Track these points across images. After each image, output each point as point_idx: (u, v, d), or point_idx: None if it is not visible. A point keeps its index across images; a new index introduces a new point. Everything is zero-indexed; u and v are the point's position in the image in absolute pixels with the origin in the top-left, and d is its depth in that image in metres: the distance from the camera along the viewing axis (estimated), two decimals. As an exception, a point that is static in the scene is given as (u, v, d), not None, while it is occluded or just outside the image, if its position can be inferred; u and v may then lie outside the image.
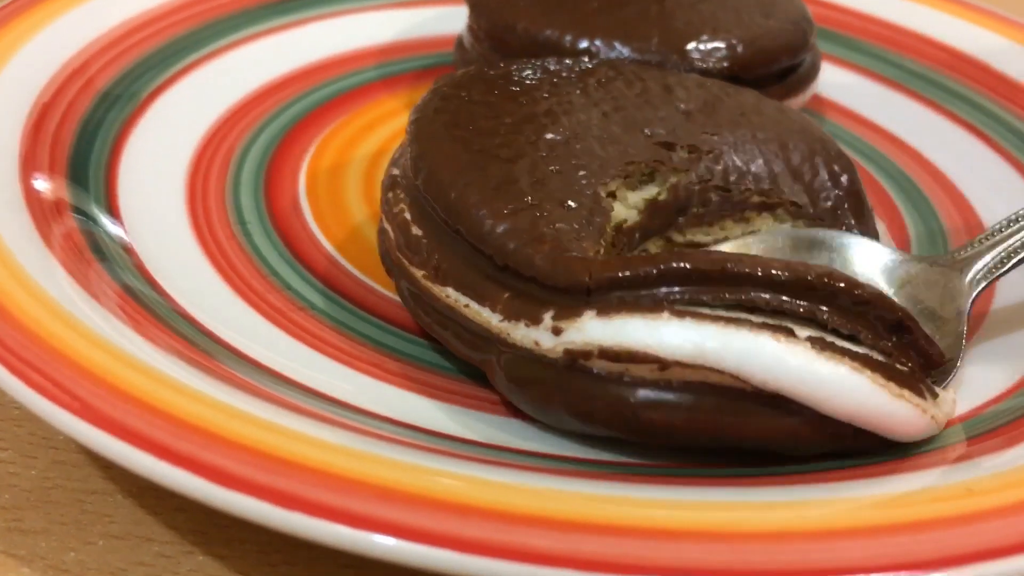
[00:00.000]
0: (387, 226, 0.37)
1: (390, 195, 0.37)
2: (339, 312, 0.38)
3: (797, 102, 0.50)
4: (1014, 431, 0.32)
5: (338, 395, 0.33)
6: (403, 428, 0.32)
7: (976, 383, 0.35)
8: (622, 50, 0.45)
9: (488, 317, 0.33)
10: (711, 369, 0.29)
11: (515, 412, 0.34)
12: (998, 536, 0.25)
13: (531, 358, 0.31)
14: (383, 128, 0.50)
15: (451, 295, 0.34)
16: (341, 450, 0.27)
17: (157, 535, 0.31)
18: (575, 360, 0.30)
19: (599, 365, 0.30)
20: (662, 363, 0.29)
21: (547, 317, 0.31)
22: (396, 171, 0.37)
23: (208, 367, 0.31)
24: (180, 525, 0.31)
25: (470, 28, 0.51)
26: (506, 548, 0.24)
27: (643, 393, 0.30)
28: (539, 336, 0.31)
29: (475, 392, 0.35)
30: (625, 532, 0.25)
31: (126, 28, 0.48)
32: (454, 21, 0.54)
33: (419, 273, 0.35)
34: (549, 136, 0.36)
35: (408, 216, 0.36)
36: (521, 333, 0.31)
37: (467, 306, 0.33)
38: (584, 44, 0.46)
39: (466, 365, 0.35)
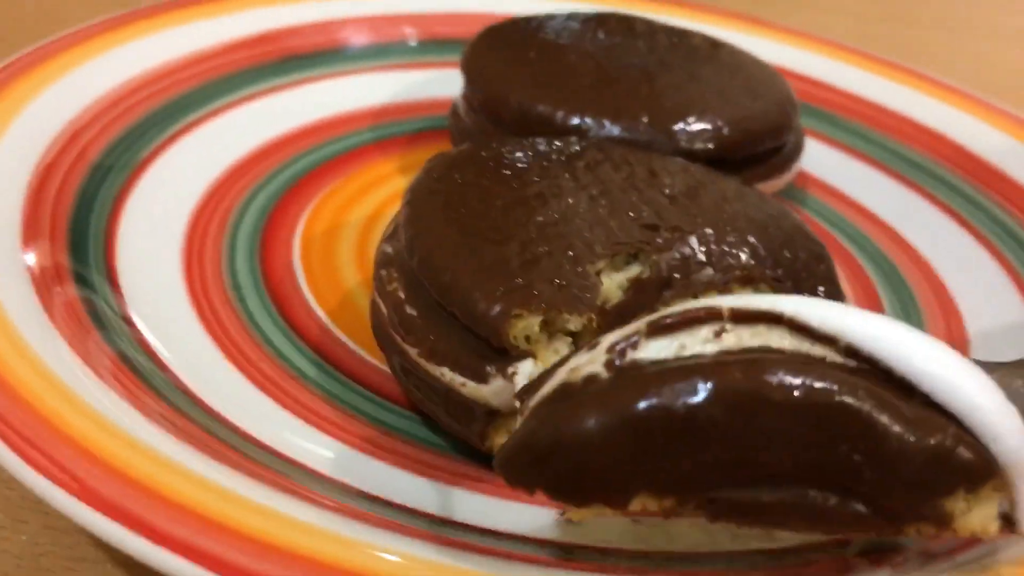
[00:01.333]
0: (380, 302, 0.38)
1: (383, 272, 0.38)
2: (329, 382, 0.39)
3: (782, 181, 0.52)
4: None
5: (325, 470, 0.34)
6: (387, 507, 0.33)
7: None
8: (612, 129, 0.47)
9: (486, 395, 0.34)
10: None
11: (497, 491, 0.35)
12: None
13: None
14: (377, 191, 0.51)
15: (446, 374, 0.35)
16: (325, 535, 0.28)
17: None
18: None
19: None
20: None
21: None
22: (389, 249, 0.38)
23: (199, 441, 0.32)
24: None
25: (465, 97, 0.52)
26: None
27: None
28: None
29: (462, 470, 0.36)
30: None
31: (119, 93, 0.49)
32: (449, 84, 0.55)
33: (413, 351, 0.36)
34: (539, 219, 0.37)
35: (402, 295, 0.37)
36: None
37: (463, 385, 0.34)
38: (575, 121, 0.47)
39: (454, 441, 0.36)
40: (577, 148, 0.42)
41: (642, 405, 0.25)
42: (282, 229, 0.47)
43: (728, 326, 0.27)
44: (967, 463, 0.25)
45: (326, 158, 0.53)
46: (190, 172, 0.48)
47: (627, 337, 0.27)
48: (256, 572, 0.26)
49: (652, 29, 0.55)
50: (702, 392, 0.25)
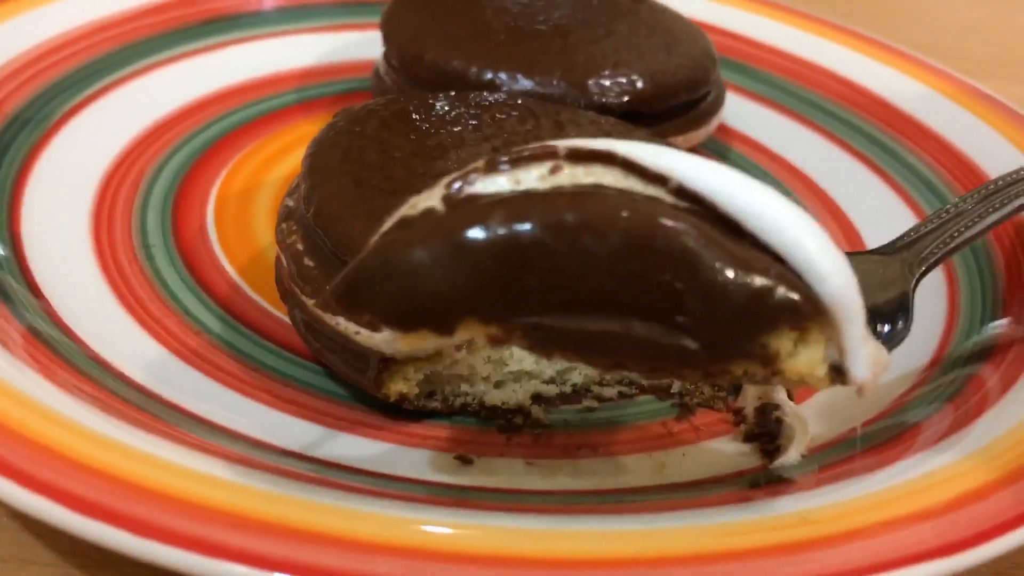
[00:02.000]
0: (281, 255, 0.38)
1: (284, 225, 0.38)
2: (235, 337, 0.39)
3: (701, 134, 0.52)
4: (867, 460, 0.34)
5: (224, 422, 0.34)
6: (287, 456, 0.33)
7: (837, 414, 0.37)
8: (525, 83, 0.47)
9: (379, 341, 0.34)
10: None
11: (396, 438, 0.35)
12: (821, 564, 0.27)
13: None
14: (297, 152, 0.50)
15: (341, 323, 0.35)
16: (212, 481, 0.29)
17: (39, 558, 0.32)
18: None
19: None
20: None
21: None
22: (291, 202, 0.39)
23: (93, 395, 0.32)
24: (61, 548, 0.32)
25: (385, 56, 0.52)
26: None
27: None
28: None
29: (361, 418, 0.36)
30: (480, 560, 0.27)
31: (39, 51, 0.49)
32: (374, 46, 0.55)
33: (310, 302, 0.36)
34: (437, 169, 0.37)
35: (300, 247, 0.37)
36: None
37: (358, 333, 0.35)
38: (488, 76, 0.47)
39: (354, 391, 0.37)
40: (486, 102, 0.43)
41: (471, 231, 0.26)
42: (197, 188, 0.47)
43: (563, 164, 0.27)
44: (790, 300, 0.25)
45: (248, 119, 0.53)
46: (105, 132, 0.48)
47: (465, 174, 0.27)
48: (129, 515, 0.26)
49: (574, -15, 0.55)
50: (529, 218, 0.26)
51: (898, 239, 0.41)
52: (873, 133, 0.55)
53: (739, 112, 0.57)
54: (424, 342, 0.28)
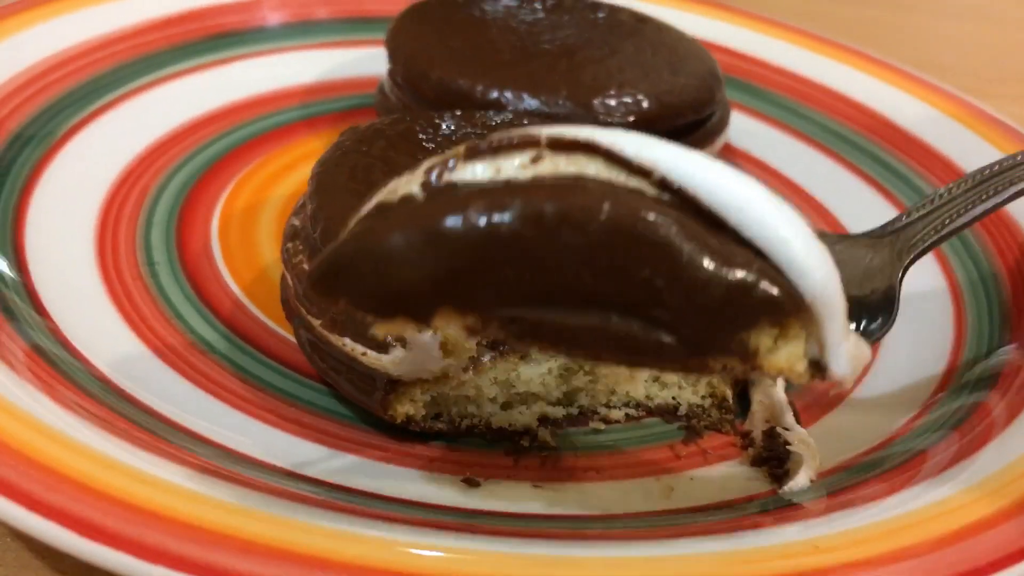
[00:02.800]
0: (287, 274, 0.38)
1: (290, 245, 0.38)
2: (238, 355, 0.39)
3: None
4: (875, 487, 0.33)
5: (228, 442, 0.34)
6: (292, 478, 0.33)
7: (845, 438, 0.37)
8: (530, 102, 0.47)
9: (386, 364, 0.34)
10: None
11: (402, 460, 0.35)
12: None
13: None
14: (302, 169, 0.51)
15: (348, 344, 0.35)
16: (217, 504, 0.28)
17: (42, 578, 0.32)
18: None
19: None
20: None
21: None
22: (296, 221, 0.38)
23: (96, 414, 0.32)
24: (66, 569, 0.32)
25: (389, 74, 0.52)
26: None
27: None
28: None
29: (367, 439, 0.36)
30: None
31: (42, 67, 0.49)
32: (378, 63, 0.55)
33: (316, 322, 0.36)
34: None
35: (307, 267, 0.37)
36: None
37: (364, 354, 0.35)
38: (494, 95, 0.47)
39: (359, 411, 0.36)
40: (491, 122, 0.43)
41: (448, 220, 0.25)
42: (202, 205, 0.47)
43: (545, 153, 0.26)
44: (771, 296, 0.25)
45: (252, 135, 0.52)
46: (109, 149, 0.48)
47: (444, 161, 0.27)
48: (133, 538, 0.26)
49: (579, 4, 0.55)
50: (508, 208, 0.25)
51: (889, 223, 0.40)
52: (877, 152, 0.55)
53: (744, 131, 0.57)
54: (403, 330, 0.27)
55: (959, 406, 0.38)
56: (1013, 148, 0.52)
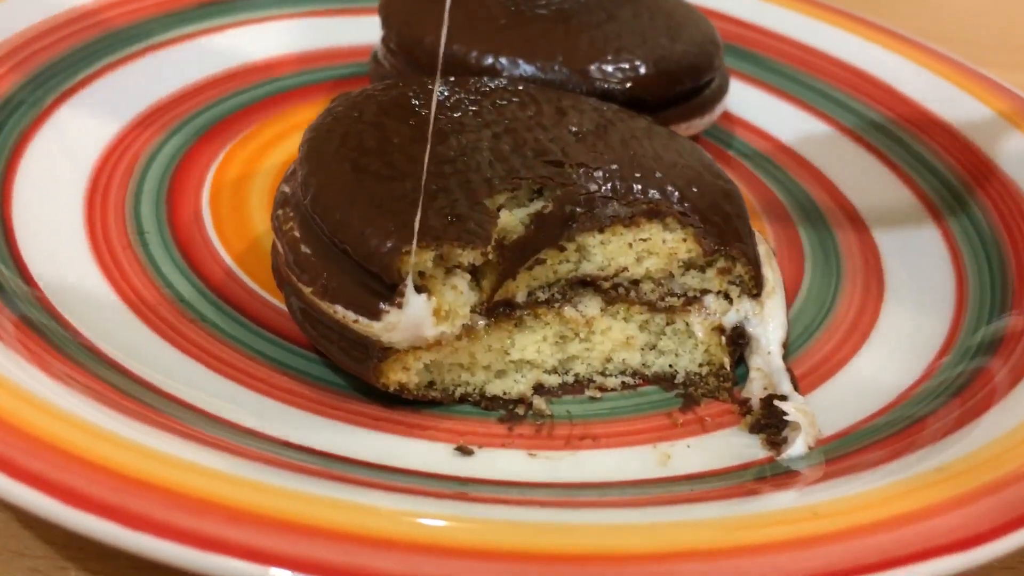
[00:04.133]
0: (277, 242, 0.37)
1: (280, 212, 0.37)
2: (230, 324, 0.38)
3: (704, 122, 0.51)
4: (874, 454, 0.33)
5: (219, 411, 0.34)
6: (283, 447, 0.33)
7: (843, 406, 0.36)
8: (526, 68, 0.46)
9: (378, 331, 0.34)
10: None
11: (395, 428, 0.35)
12: (832, 560, 0.26)
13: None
14: (295, 137, 0.49)
15: (339, 311, 0.34)
16: (207, 472, 0.28)
17: (30, 549, 0.31)
18: None
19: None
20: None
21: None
22: (287, 189, 0.38)
23: (86, 384, 0.31)
24: (54, 540, 0.31)
25: (383, 41, 0.51)
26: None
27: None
28: None
29: (359, 408, 0.35)
30: (472, 554, 0.26)
31: (31, 33, 0.48)
32: (372, 31, 0.54)
33: (307, 290, 0.35)
34: (437, 155, 0.37)
35: (297, 234, 0.36)
36: None
37: (356, 321, 0.34)
38: (489, 61, 0.46)
39: (352, 380, 0.36)
40: (485, 87, 0.42)
41: None
42: (193, 174, 0.46)
43: None
44: None
45: (244, 104, 0.52)
46: (99, 116, 0.47)
47: None
48: (119, 506, 0.26)
49: (575, -31, 0.54)
50: None
51: None
52: (877, 119, 0.54)
53: (743, 99, 0.56)
54: None
55: (960, 372, 0.37)
56: (1013, 113, 0.51)
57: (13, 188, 0.41)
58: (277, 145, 0.50)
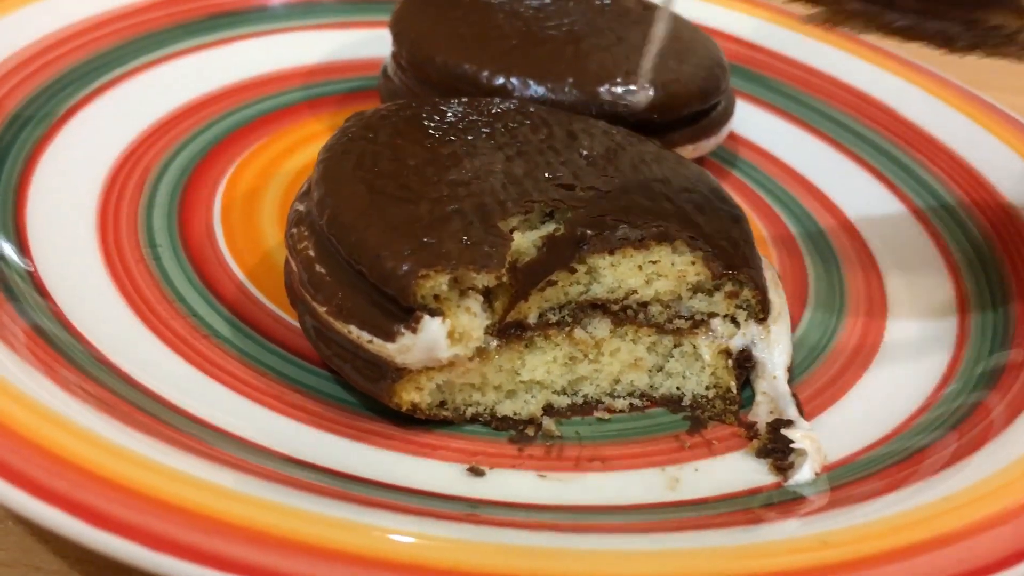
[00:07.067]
0: (291, 260, 0.38)
1: (294, 231, 0.38)
2: (242, 340, 0.38)
3: (711, 143, 0.52)
4: (875, 483, 0.33)
5: (230, 427, 0.34)
6: (294, 465, 0.33)
7: (847, 432, 0.37)
8: (536, 89, 0.46)
9: (392, 352, 0.34)
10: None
11: (407, 447, 0.35)
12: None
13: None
14: (305, 151, 0.51)
15: (354, 332, 0.35)
16: (219, 491, 0.28)
17: (45, 563, 0.31)
18: None
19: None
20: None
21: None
22: (301, 207, 0.38)
23: (98, 397, 0.32)
24: (68, 554, 0.32)
25: (393, 56, 0.52)
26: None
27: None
28: None
29: (372, 427, 0.36)
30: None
31: (42, 46, 0.48)
32: (381, 45, 0.55)
33: (322, 309, 0.36)
34: (451, 178, 0.37)
35: (312, 253, 0.36)
36: None
37: (371, 342, 0.34)
38: (500, 81, 0.47)
39: (364, 398, 0.36)
40: (497, 109, 0.42)
41: None
42: (204, 187, 0.46)
43: None
44: None
45: (254, 117, 0.52)
46: (110, 129, 0.47)
47: None
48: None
49: (585, -10, 0.55)
50: None
51: None
52: (880, 143, 0.55)
53: (748, 120, 0.56)
54: None
55: (959, 404, 0.37)
56: (1015, 138, 0.52)
57: (27, 200, 0.42)
58: (288, 158, 0.50)
